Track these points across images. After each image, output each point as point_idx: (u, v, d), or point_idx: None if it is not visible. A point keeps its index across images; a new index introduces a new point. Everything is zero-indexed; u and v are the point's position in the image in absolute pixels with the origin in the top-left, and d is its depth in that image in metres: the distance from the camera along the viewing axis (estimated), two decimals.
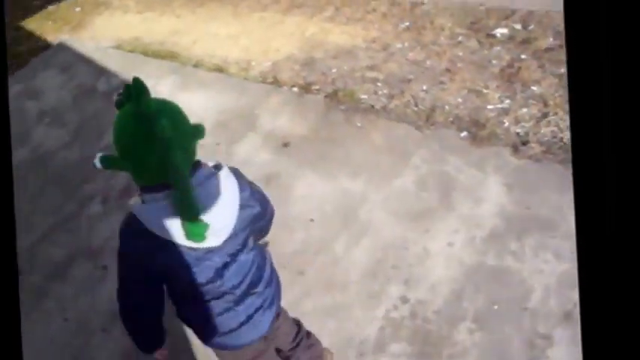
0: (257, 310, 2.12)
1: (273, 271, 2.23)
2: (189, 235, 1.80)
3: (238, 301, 2.06)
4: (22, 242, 4.02)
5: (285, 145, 4.36)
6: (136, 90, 1.71)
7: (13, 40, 8.09)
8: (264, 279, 2.13)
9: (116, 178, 4.39)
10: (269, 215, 2.18)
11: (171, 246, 1.83)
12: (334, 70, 4.99)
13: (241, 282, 2.04)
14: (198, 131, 1.84)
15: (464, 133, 4.05)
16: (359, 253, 3.48)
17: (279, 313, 2.29)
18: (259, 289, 2.11)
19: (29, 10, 9.11)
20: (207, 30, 6.21)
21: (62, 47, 6.78)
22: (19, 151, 5.07)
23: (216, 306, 2.04)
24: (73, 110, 5.36)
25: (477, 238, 3.37)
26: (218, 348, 2.20)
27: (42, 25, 8.30)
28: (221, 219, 1.86)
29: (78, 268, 3.89)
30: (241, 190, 1.94)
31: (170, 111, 1.77)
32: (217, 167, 1.92)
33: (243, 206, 1.94)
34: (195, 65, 5.52)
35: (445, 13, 5.38)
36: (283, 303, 2.33)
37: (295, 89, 4.88)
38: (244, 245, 2.01)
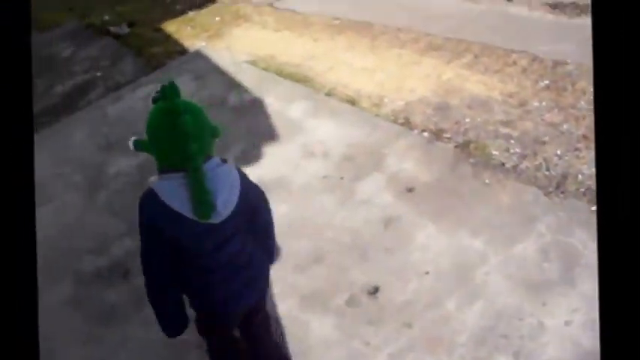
0: (245, 285, 2.57)
1: (261, 257, 2.68)
2: (195, 212, 2.22)
3: (231, 275, 2.50)
4: (133, 243, 4.14)
5: (410, 190, 4.32)
6: (169, 91, 2.26)
7: (152, 41, 8.46)
8: (254, 261, 2.59)
9: None
10: (264, 208, 2.67)
11: (181, 218, 2.24)
12: (467, 120, 4.92)
13: (235, 258, 2.48)
14: (216, 130, 2.33)
15: (595, 207, 3.89)
16: (470, 314, 3.39)
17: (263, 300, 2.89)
18: (249, 268, 2.56)
19: (170, 14, 9.50)
20: (344, 59, 6.26)
21: (198, 55, 7.02)
22: (140, 153, 5.25)
23: (213, 277, 2.48)
24: None
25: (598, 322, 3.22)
26: (209, 313, 2.67)
27: (180, 30, 8.62)
28: (224, 201, 2.28)
29: None
30: (242, 182, 2.38)
31: (193, 111, 2.25)
32: (224, 161, 2.36)
33: (242, 194, 2.35)
34: (328, 93, 5.57)
35: (588, 76, 5.21)
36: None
37: (426, 134, 4.84)
38: (240, 228, 2.46)
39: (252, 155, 4.83)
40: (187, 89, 6.06)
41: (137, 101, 6.11)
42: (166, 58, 7.63)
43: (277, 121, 5.16)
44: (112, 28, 9.32)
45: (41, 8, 12.25)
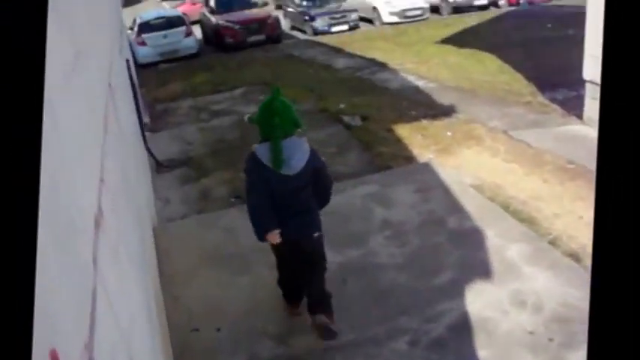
0: (302, 223, 4.03)
1: (316, 210, 4.15)
2: (272, 165, 3.79)
3: (293, 214, 3.96)
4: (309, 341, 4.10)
5: None
6: (275, 91, 3.88)
7: (382, 140, 8.60)
8: (311, 210, 4.09)
9: (434, 323, 4.25)
10: (325, 173, 4.14)
11: (268, 169, 3.81)
12: None
13: (301, 203, 3.99)
14: (298, 122, 3.93)
15: None
16: None
17: (317, 236, 4.13)
18: (307, 213, 4.05)
19: (404, 117, 9.66)
20: (573, 208, 5.89)
21: (425, 167, 6.98)
22: (350, 251, 5.21)
23: (282, 211, 3.92)
24: (416, 234, 5.39)
25: None
26: (276, 230, 3.97)
27: (411, 136, 8.69)
28: (296, 161, 3.82)
29: None
30: (312, 153, 3.93)
31: (283, 105, 3.85)
32: (299, 139, 3.90)
33: (310, 160, 3.89)
34: (552, 242, 5.22)
35: None
36: None
37: None
38: (307, 185, 3.96)
39: (459, 287, 4.60)
40: (408, 199, 6.00)
41: (356, 198, 6.15)
42: (392, 161, 7.69)
43: (493, 258, 4.89)
44: (346, 118, 9.64)
45: (289, 87, 13.07)
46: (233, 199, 7.19)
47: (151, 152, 8.65)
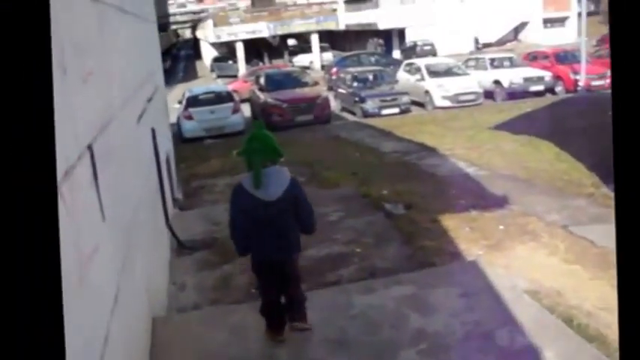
0: (279, 247, 4.54)
1: (296, 234, 4.66)
2: (253, 185, 4.38)
3: (272, 237, 4.49)
4: None
5: None
6: (257, 125, 4.92)
7: (425, 232, 7.77)
8: (290, 235, 4.59)
9: None
10: (304, 201, 4.61)
11: (250, 196, 4.39)
12: None
13: (279, 228, 4.49)
14: (278, 150, 4.52)
15: None
16: None
17: (294, 257, 4.77)
18: (285, 237, 4.54)
19: (452, 207, 8.82)
20: None
21: (472, 266, 6.08)
22: None
23: (262, 234, 4.50)
24: (457, 351, 4.47)
25: None
26: (257, 258, 4.65)
27: (458, 228, 7.84)
28: (274, 187, 4.39)
29: None
30: (292, 181, 4.50)
31: (263, 134, 4.57)
32: (280, 168, 4.53)
33: (289, 188, 4.45)
34: None
35: None
36: None
37: None
38: (287, 211, 4.47)
39: None
40: (449, 306, 5.08)
41: (388, 300, 5.27)
42: (436, 256, 6.82)
43: None
44: (388, 206, 8.84)
45: (332, 169, 12.41)
46: (254, 290, 6.42)
47: (173, 231, 7.96)
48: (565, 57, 24.20)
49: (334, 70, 29.54)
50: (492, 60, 24.59)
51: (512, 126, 15.35)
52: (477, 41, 42.60)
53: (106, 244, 3.31)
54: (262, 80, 22.16)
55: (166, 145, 10.70)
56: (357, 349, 4.49)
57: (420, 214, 8.46)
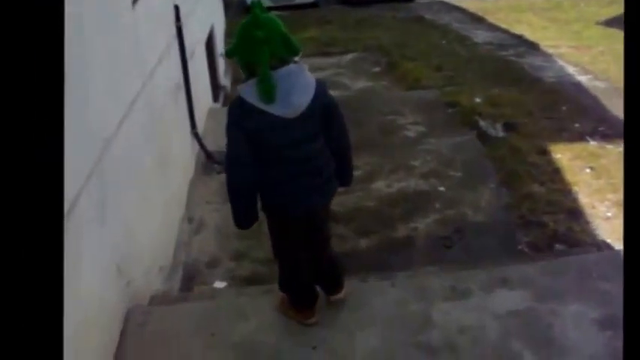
0: (312, 188, 2.88)
1: (331, 171, 2.96)
2: (261, 98, 2.64)
3: (303, 175, 2.84)
4: None
5: None
6: (255, 5, 2.64)
7: (533, 169, 5.93)
8: (325, 169, 2.91)
9: None
10: (338, 114, 2.93)
11: (261, 113, 2.66)
12: None
13: (308, 160, 2.83)
14: (293, 43, 2.72)
15: None
16: None
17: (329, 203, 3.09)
18: (319, 175, 2.89)
19: (564, 134, 6.91)
20: None
21: (617, 257, 4.28)
22: None
23: (287, 171, 2.82)
24: None
25: None
26: (278, 208, 2.93)
27: (575, 168, 6.04)
28: (296, 96, 2.69)
29: None
30: (318, 85, 2.78)
31: (268, 18, 2.67)
32: (299, 67, 2.75)
33: (317, 95, 2.75)
34: None
35: None
36: None
37: None
38: (316, 133, 2.82)
39: None
40: (588, 339, 3.22)
41: (487, 317, 3.39)
42: (548, 214, 5.05)
43: None
44: (482, 123, 6.95)
45: (412, 59, 10.51)
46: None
47: (200, 141, 6.35)
48: None
49: None
50: None
51: None
52: None
53: None
54: None
55: (210, 19, 8.86)
56: None
57: (523, 140, 6.57)
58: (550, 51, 10.98)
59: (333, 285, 3.39)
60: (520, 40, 11.97)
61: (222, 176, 5.82)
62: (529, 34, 12.23)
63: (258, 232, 3.53)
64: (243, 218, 2.90)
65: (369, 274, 3.93)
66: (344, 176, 3.08)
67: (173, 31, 5.75)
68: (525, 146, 6.37)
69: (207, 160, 6.41)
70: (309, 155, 2.83)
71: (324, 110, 2.81)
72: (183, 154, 5.82)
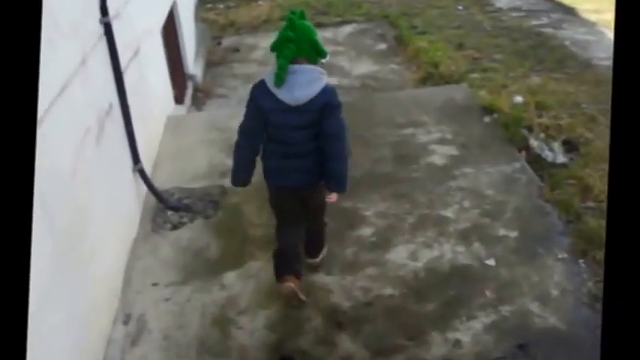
0: (294, 169, 3.42)
1: (318, 162, 3.39)
2: (274, 81, 3.22)
3: (289, 154, 3.40)
4: None
5: None
6: (295, 14, 3.27)
7: None
8: (309, 156, 3.38)
9: None
10: (335, 114, 3.30)
11: (271, 95, 3.25)
12: None
13: (296, 144, 3.36)
14: (320, 48, 3.28)
15: None
16: None
17: (312, 186, 3.52)
18: (304, 159, 3.40)
19: None
20: None
21: None
22: None
23: (280, 149, 3.42)
24: None
25: None
26: (267, 177, 3.57)
27: None
28: (301, 89, 3.20)
29: None
30: (326, 87, 3.25)
31: (301, 29, 3.24)
32: (315, 68, 3.28)
33: (320, 94, 3.22)
34: None
35: None
36: None
37: None
38: (310, 125, 3.29)
39: None
40: None
41: None
42: None
43: None
44: (535, 143, 5.10)
45: (425, 33, 8.65)
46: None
47: (148, 182, 4.59)
48: None
49: None
50: None
51: None
52: None
53: None
54: None
55: None
56: None
57: (593, 167, 4.77)
58: (592, 18, 9.06)
59: (313, 250, 3.94)
60: (553, 4, 10.00)
61: (180, 233, 4.12)
62: None
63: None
64: (236, 174, 3.55)
65: None
66: (331, 177, 3.40)
67: (97, 31, 3.92)
68: (598, 180, 4.57)
69: (160, 203, 4.63)
70: (298, 140, 3.37)
71: (323, 106, 3.27)
72: (119, 208, 4.06)
